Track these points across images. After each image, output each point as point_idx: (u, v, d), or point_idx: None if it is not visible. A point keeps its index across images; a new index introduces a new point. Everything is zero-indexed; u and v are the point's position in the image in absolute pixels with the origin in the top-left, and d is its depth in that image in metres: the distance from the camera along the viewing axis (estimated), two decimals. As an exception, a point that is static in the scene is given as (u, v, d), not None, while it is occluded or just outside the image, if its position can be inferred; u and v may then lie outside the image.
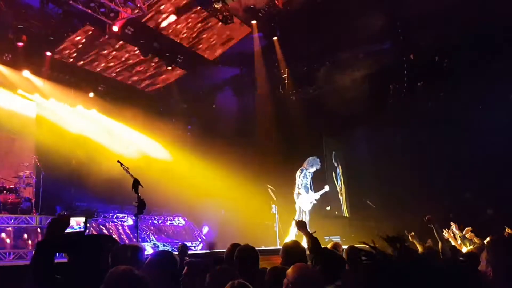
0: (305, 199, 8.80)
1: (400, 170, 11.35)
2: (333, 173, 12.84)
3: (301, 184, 8.77)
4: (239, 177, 12.05)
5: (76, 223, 3.91)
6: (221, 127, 13.46)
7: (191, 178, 12.49)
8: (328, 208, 11.96)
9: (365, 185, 12.24)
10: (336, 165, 13.07)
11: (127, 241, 10.27)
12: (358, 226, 11.79)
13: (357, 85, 11.18)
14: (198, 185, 12.47)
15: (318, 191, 9.14)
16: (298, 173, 8.91)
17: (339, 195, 12.85)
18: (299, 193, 8.81)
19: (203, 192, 12.72)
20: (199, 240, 12.75)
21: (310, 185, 8.96)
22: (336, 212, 12.49)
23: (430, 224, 4.88)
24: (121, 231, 11.20)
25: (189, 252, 6.76)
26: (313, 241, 3.45)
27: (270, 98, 12.75)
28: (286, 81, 12.38)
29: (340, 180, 13.12)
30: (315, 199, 9.02)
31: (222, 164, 12.15)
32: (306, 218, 8.96)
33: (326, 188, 9.14)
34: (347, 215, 12.86)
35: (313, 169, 9.06)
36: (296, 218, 8.93)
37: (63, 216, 2.39)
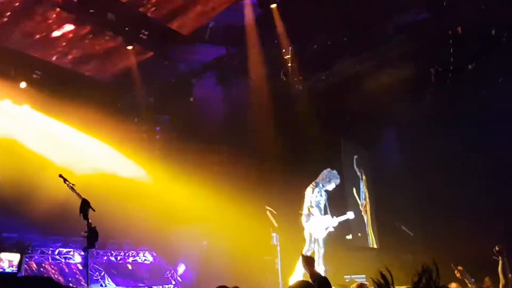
0: (318, 224, 8.96)
1: (445, 185, 11.45)
2: (354, 188, 12.94)
3: (314, 204, 9.00)
4: (227, 195, 12.00)
5: (9, 264, 4.25)
6: (202, 127, 13.62)
7: (161, 199, 12.65)
8: (349, 237, 12.10)
9: (398, 205, 12.33)
10: (359, 174, 13.14)
11: (73, 286, 10.46)
12: (390, 260, 11.81)
13: (386, 70, 11.27)
14: (171, 208, 12.62)
15: (337, 216, 9.43)
16: (309, 189, 9.14)
17: (363, 213, 12.95)
18: (309, 214, 9.04)
19: (178, 217, 12.93)
20: (173, 283, 12.90)
21: (326, 206, 9.19)
22: (360, 242, 12.56)
23: (497, 256, 4.88)
24: (66, 271, 11.38)
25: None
26: (322, 285, 3.40)
27: (268, 88, 12.74)
28: (290, 65, 12.41)
29: (365, 195, 13.23)
30: (332, 226, 9.20)
31: (203, 179, 12.17)
32: (319, 250, 9.06)
33: (350, 215, 9.37)
34: (375, 246, 12.95)
35: (331, 186, 9.33)
36: (304, 251, 8.98)
37: None
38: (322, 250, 9.03)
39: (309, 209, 9.01)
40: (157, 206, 12.53)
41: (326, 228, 9.03)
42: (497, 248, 4.83)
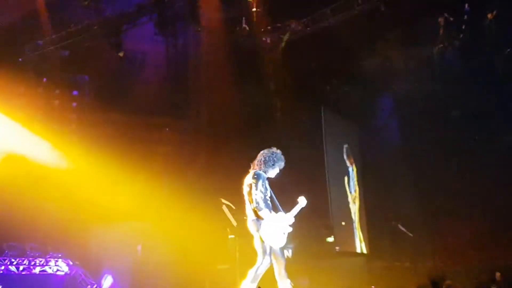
0: (273, 229, 8.96)
1: (456, 172, 12.10)
2: (346, 176, 13.49)
3: (261, 203, 8.83)
4: (169, 185, 12.38)
5: None
6: (135, 93, 13.80)
7: (80, 189, 12.80)
8: (330, 239, 12.53)
9: (395, 198, 12.87)
10: (348, 164, 13.71)
11: None
12: (384, 269, 12.37)
13: (382, 17, 11.67)
14: (93, 202, 12.78)
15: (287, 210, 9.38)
16: (249, 183, 9.02)
17: (352, 213, 13.53)
18: (258, 219, 8.91)
19: (103, 214, 13.08)
20: None
21: (273, 200, 9.16)
22: (344, 247, 12.96)
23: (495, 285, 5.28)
24: None
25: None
26: None
27: (225, 40, 13.06)
28: (255, 9, 12.67)
29: (355, 188, 13.79)
30: (289, 225, 9.20)
31: (137, 163, 12.38)
32: (279, 262, 9.08)
33: (302, 200, 9.24)
34: (364, 251, 13.44)
35: (274, 172, 9.29)
36: (255, 268, 9.02)
37: None
38: (283, 261, 8.96)
39: (255, 212, 8.71)
40: (74, 200, 12.65)
41: (284, 233, 8.92)
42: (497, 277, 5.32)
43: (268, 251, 8.79)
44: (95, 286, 13.13)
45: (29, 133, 13.79)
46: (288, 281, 9.04)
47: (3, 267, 12.43)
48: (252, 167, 9.09)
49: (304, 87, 12.96)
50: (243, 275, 9.91)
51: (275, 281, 8.90)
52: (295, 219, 9.08)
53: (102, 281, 13.28)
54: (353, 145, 14.26)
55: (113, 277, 13.30)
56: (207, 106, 13.43)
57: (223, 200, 10.96)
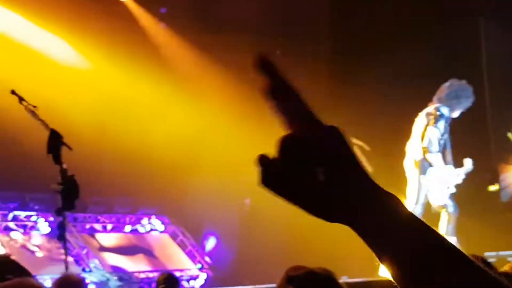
0: (436, 177, 8.94)
1: None
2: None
3: (434, 145, 8.97)
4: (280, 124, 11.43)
5: None
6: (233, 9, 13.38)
7: (175, 135, 12.90)
8: (494, 187, 11.88)
9: None
10: None
11: (42, 269, 10.52)
12: None
13: None
14: (191, 149, 12.92)
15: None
16: (425, 116, 9.12)
17: None
18: (424, 160, 9.06)
19: (203, 163, 13.17)
20: (199, 265, 13.01)
21: (446, 147, 9.06)
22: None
23: None
24: (29, 246, 11.68)
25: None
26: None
27: None
28: None
29: None
30: (454, 186, 9.08)
31: (241, 97, 11.65)
32: (448, 218, 9.15)
33: (468, 164, 9.18)
34: None
35: (458, 111, 9.19)
36: None
37: None
38: (454, 214, 9.06)
39: (424, 153, 8.94)
40: (169, 147, 12.52)
41: (448, 188, 9.01)
42: None
43: (422, 200, 9.01)
44: (196, 247, 13.46)
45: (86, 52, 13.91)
46: (454, 238, 8.94)
47: (88, 226, 12.80)
48: (433, 101, 9.09)
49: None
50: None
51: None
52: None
53: (204, 242, 13.82)
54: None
55: (216, 237, 13.86)
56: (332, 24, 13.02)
57: (355, 140, 10.71)
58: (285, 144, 0.96)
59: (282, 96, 1.00)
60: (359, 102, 12.36)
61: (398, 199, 1.01)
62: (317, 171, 0.97)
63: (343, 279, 11.40)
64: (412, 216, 1.05)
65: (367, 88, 12.27)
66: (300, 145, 0.96)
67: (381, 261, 1.07)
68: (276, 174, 0.97)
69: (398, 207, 1.01)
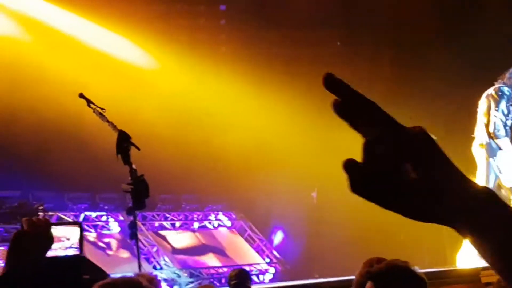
0: (508, 161, 8.83)
1: None
2: None
3: (500, 127, 8.90)
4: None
5: (66, 242, 4.11)
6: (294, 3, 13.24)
7: (236, 129, 12.94)
8: None
9: None
10: None
11: (114, 268, 10.64)
12: None
13: None
14: (255, 140, 12.84)
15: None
16: (487, 98, 8.96)
17: None
18: (491, 142, 8.98)
19: (268, 156, 13.13)
20: (267, 260, 13.02)
21: None
22: None
23: None
24: (101, 245, 11.86)
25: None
26: None
27: None
28: None
29: None
30: None
31: (304, 90, 11.66)
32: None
33: None
34: None
35: None
36: None
37: (38, 225, 2.98)
38: None
39: (492, 138, 8.85)
40: (234, 142, 12.52)
41: None
42: None
43: (491, 184, 8.84)
44: (264, 242, 13.46)
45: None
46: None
47: (157, 224, 12.86)
48: (496, 83, 8.93)
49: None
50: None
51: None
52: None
53: (272, 237, 13.75)
54: None
55: (284, 231, 13.78)
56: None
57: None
58: (371, 147, 0.94)
59: (356, 110, 0.98)
60: (422, 89, 12.22)
61: (492, 191, 0.98)
62: (409, 172, 0.94)
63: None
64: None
65: (430, 75, 12.12)
66: (388, 147, 0.94)
67: (487, 257, 1.04)
68: (365, 178, 0.95)
69: (497, 201, 0.98)
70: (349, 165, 0.94)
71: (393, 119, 0.95)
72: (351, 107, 0.96)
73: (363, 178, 0.94)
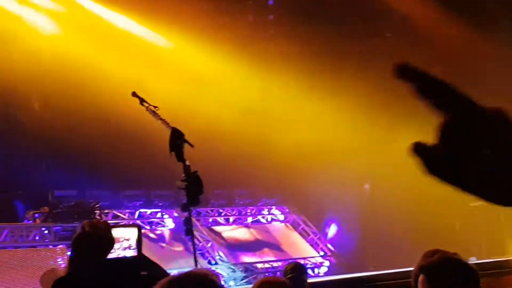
0: None
1: None
2: None
3: None
4: (398, 109, 11.19)
5: (125, 242, 4.24)
6: None
7: (289, 124, 12.86)
8: None
9: None
10: None
11: (169, 265, 10.49)
12: None
13: None
14: (309, 138, 12.63)
15: None
16: None
17: None
18: None
19: (321, 150, 12.96)
20: (323, 252, 13.02)
21: None
22: None
23: None
24: (157, 241, 12.06)
25: (309, 281, 7.19)
26: None
27: None
28: None
29: None
30: None
31: (353, 85, 11.86)
32: None
33: None
34: None
35: None
36: None
37: (99, 227, 3.06)
38: None
39: None
40: (286, 137, 12.47)
41: None
42: None
43: None
44: (318, 236, 13.45)
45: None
46: None
47: (211, 219, 12.98)
48: None
49: None
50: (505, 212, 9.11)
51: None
52: None
53: (326, 230, 13.80)
54: None
55: (337, 224, 13.80)
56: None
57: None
58: (449, 128, 0.91)
59: (434, 93, 0.96)
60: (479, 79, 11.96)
61: None
62: (486, 153, 0.92)
63: (471, 260, 11.08)
64: None
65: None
66: (466, 128, 0.92)
67: None
68: (441, 159, 0.92)
69: None
70: (420, 148, 0.91)
71: (471, 100, 0.93)
72: (431, 90, 0.95)
73: (439, 159, 0.92)
